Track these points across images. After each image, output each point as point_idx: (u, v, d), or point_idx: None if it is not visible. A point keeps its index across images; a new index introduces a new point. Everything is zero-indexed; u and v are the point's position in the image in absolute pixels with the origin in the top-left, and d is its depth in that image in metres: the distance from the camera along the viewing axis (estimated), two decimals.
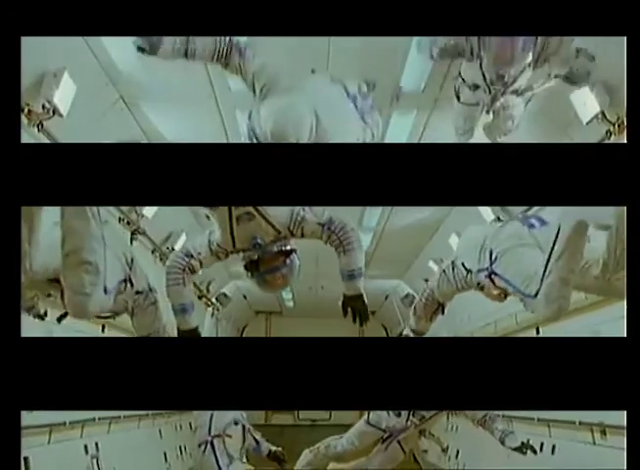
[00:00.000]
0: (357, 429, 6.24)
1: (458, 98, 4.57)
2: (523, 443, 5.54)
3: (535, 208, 4.69)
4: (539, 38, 3.88)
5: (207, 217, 3.54)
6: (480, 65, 4.04)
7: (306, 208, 3.44)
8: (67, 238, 2.93)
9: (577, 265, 3.09)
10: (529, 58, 3.91)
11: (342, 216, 3.56)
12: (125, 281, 3.53)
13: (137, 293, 3.66)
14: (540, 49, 3.91)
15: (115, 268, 3.36)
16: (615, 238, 3.07)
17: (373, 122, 3.61)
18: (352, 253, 3.46)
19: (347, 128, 3.49)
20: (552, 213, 3.34)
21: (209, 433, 5.28)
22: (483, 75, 4.12)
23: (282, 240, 3.52)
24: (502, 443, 5.71)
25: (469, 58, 4.09)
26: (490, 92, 4.24)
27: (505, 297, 3.60)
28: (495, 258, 3.48)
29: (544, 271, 3.08)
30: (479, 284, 3.68)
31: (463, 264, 3.74)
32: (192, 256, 3.60)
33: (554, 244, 3.04)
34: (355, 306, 3.51)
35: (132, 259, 3.65)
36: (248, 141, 3.46)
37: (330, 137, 3.33)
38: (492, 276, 3.51)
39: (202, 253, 3.60)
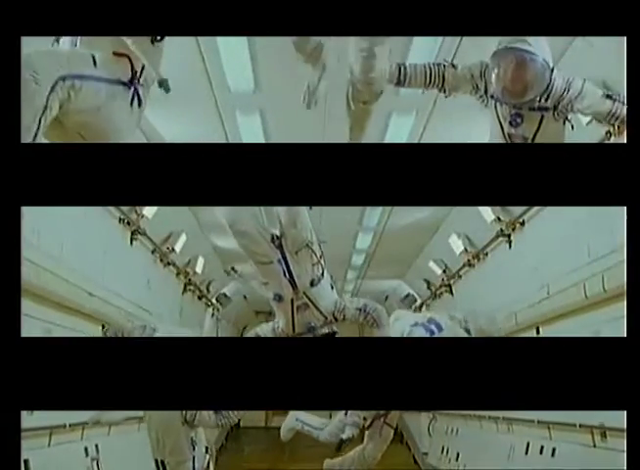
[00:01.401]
0: (341, 421, 6.32)
1: None
2: None
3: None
4: (555, 84, 3.40)
5: (270, 313, 4.70)
6: (495, 106, 3.60)
7: (345, 297, 4.88)
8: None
9: None
10: (544, 96, 3.41)
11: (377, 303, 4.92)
12: None
13: None
14: (560, 94, 3.43)
15: None
16: None
17: None
18: (383, 327, 4.68)
19: None
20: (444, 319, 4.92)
21: None
22: (499, 120, 3.60)
23: (328, 324, 4.64)
24: None
25: (482, 97, 3.63)
26: None
27: None
28: None
29: None
30: None
31: None
32: None
33: None
34: None
35: None
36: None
37: None
38: None
39: (267, 336, 4.76)
